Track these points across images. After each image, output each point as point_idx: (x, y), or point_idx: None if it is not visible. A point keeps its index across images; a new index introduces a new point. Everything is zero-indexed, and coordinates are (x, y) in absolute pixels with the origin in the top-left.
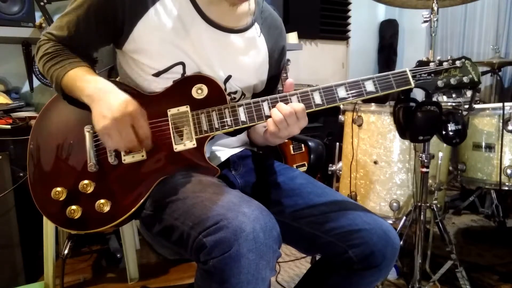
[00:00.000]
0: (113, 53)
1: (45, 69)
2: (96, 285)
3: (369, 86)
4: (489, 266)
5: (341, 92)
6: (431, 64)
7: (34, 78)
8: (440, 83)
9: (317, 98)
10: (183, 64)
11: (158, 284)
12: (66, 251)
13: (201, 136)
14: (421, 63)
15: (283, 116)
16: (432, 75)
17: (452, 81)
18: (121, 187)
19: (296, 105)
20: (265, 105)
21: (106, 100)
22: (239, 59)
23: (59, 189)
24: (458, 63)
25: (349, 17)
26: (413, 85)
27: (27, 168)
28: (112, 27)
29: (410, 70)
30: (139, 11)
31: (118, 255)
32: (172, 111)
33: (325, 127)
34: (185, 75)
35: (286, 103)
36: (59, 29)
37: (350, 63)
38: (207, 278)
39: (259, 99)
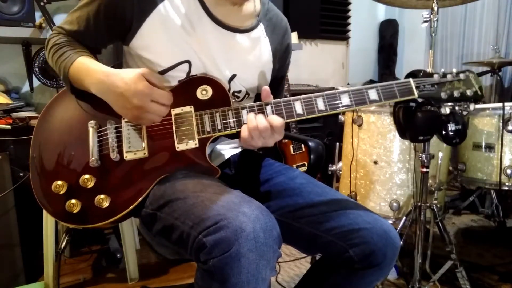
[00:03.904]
0: (113, 52)
1: (53, 61)
2: (96, 285)
3: (373, 95)
4: (489, 266)
5: (345, 99)
6: (435, 76)
7: (34, 78)
8: (443, 95)
9: (320, 104)
10: (189, 62)
11: (158, 284)
12: (63, 245)
13: (203, 136)
14: (425, 74)
15: (258, 129)
16: (436, 86)
17: (456, 93)
18: (122, 184)
19: (276, 121)
20: (268, 109)
21: (116, 91)
22: (244, 59)
23: (59, 182)
24: (462, 76)
25: (349, 17)
26: (416, 95)
27: (29, 160)
28: (121, 23)
29: (414, 81)
30: (148, 7)
31: (118, 255)
32: (176, 111)
33: (325, 127)
34: (190, 74)
35: (289, 109)
36: (69, 24)
37: (350, 63)
38: (207, 278)
39: (263, 102)
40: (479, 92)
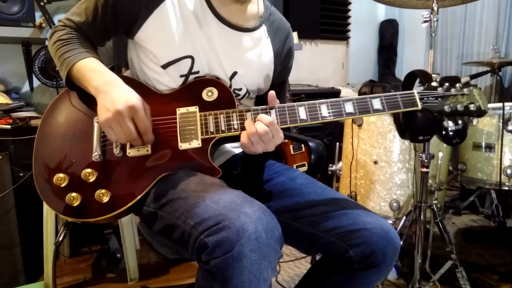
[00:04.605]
0: (113, 54)
1: (57, 55)
2: (96, 285)
3: (376, 104)
4: (489, 266)
5: (348, 107)
6: (439, 89)
7: (34, 78)
8: (447, 108)
9: (324, 111)
10: (192, 58)
11: (158, 284)
12: (61, 238)
13: (206, 136)
14: (429, 87)
15: (257, 134)
16: (439, 99)
17: (459, 107)
18: (123, 179)
19: (264, 118)
20: (273, 113)
21: (111, 93)
22: (246, 57)
23: (61, 175)
24: (465, 90)
25: (349, 17)
26: (420, 107)
27: (33, 152)
28: (129, 14)
29: (418, 93)
30: (155, 0)
31: (118, 255)
32: (181, 110)
33: (325, 127)
34: (192, 69)
35: (293, 114)
36: (77, 15)
37: (350, 63)
38: (209, 278)
39: (267, 106)
40: (482, 107)
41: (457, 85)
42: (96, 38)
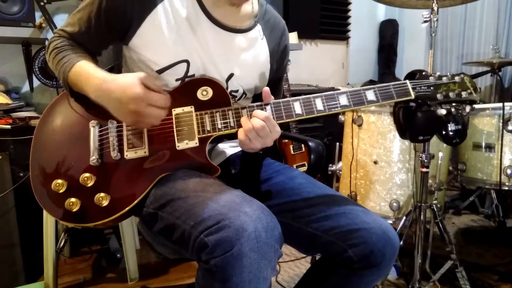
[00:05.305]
0: (113, 52)
1: (54, 64)
2: (96, 285)
3: (370, 95)
4: (489, 266)
5: (343, 100)
6: (431, 78)
7: (34, 78)
8: (439, 96)
9: (319, 105)
10: (187, 62)
11: (158, 284)
12: (62, 244)
13: (203, 135)
14: (421, 76)
15: (254, 130)
16: (432, 88)
17: (451, 95)
18: (122, 182)
19: (259, 114)
20: (268, 109)
21: (112, 96)
22: (241, 58)
23: (59, 181)
24: (457, 78)
25: (349, 17)
26: (413, 96)
27: (30, 159)
28: (122, 22)
29: (411, 82)
30: (147, 6)
31: (118, 255)
32: (176, 111)
33: (325, 127)
34: (188, 73)
35: (289, 109)
36: (71, 26)
37: (350, 63)
38: (209, 278)
39: (263, 102)
40: (474, 94)
41: (448, 73)
42: (91, 48)
